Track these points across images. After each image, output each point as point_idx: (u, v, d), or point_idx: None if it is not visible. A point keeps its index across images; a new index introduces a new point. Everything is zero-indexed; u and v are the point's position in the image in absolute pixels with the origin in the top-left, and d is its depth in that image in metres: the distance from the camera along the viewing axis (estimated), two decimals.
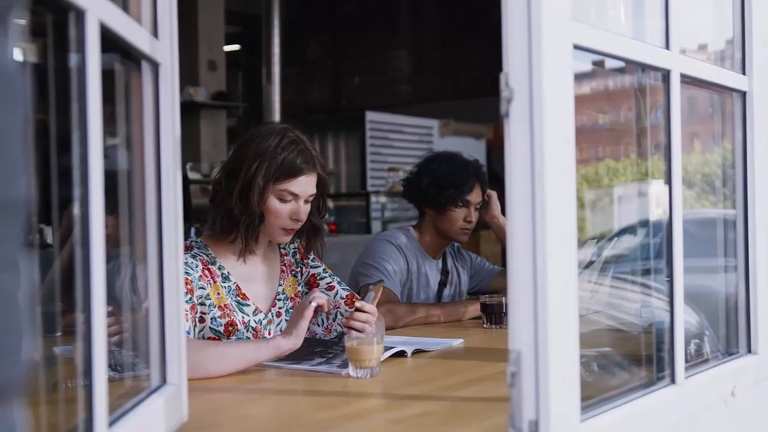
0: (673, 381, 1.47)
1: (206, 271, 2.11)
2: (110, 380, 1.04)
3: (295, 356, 2.00)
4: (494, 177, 4.48)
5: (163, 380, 1.33)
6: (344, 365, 1.86)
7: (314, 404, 1.62)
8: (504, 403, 1.21)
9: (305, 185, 2.13)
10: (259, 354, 1.89)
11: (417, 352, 2.11)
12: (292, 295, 2.29)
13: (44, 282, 1.79)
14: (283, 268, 2.29)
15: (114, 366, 1.38)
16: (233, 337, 2.10)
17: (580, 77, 1.27)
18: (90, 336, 0.98)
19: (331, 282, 2.32)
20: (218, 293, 2.11)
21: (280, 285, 2.27)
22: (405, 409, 1.56)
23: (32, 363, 0.58)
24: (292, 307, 2.26)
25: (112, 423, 1.06)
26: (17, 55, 0.58)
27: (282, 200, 2.12)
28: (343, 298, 2.27)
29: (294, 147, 2.12)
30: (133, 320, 1.45)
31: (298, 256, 2.33)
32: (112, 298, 1.13)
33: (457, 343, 2.29)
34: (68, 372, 1.38)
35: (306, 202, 2.15)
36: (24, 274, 0.55)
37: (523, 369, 1.14)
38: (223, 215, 2.12)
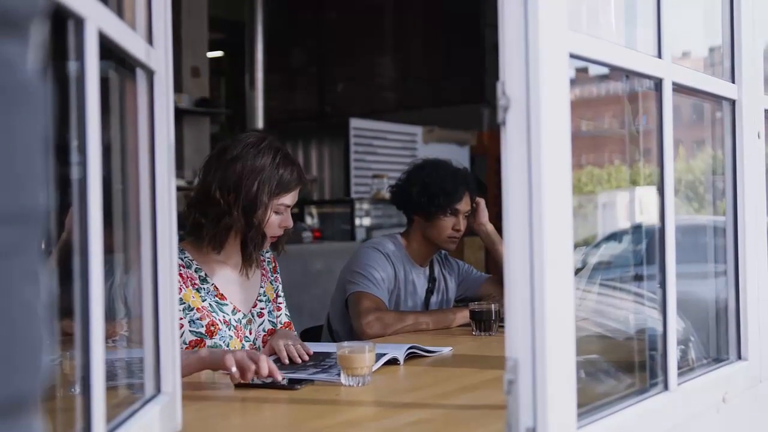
0: (666, 387, 1.48)
1: (179, 276, 2.14)
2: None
3: (290, 367, 2.00)
4: (478, 184, 4.48)
5: (158, 389, 1.32)
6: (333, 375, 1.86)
7: (307, 413, 1.62)
8: (498, 411, 1.21)
9: (296, 196, 2.26)
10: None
11: (410, 357, 2.11)
12: (272, 299, 2.38)
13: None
14: (263, 272, 2.38)
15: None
16: (216, 337, 2.15)
17: None
18: (88, 346, 0.97)
19: (281, 303, 2.43)
20: (193, 296, 2.16)
21: (262, 287, 2.34)
22: (399, 418, 1.55)
23: (49, 374, 0.58)
24: (272, 310, 2.35)
25: None
26: (37, 65, 0.58)
27: (277, 213, 2.22)
28: (281, 324, 2.36)
29: (288, 162, 2.23)
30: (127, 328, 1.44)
31: (271, 267, 2.42)
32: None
33: (447, 350, 2.29)
34: (59, 381, 1.37)
35: (291, 209, 2.28)
36: (43, 285, 0.55)
37: (520, 377, 1.14)
38: (222, 231, 2.18)
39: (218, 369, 1.87)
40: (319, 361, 2.07)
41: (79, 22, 0.96)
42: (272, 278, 2.40)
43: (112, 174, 1.33)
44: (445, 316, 2.81)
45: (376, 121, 8.30)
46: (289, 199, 2.23)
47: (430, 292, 3.06)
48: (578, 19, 1.43)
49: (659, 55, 1.48)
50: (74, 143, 0.98)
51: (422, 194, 2.92)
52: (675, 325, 1.50)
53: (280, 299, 2.43)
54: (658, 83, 1.48)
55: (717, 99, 1.78)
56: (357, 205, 7.43)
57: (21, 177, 0.54)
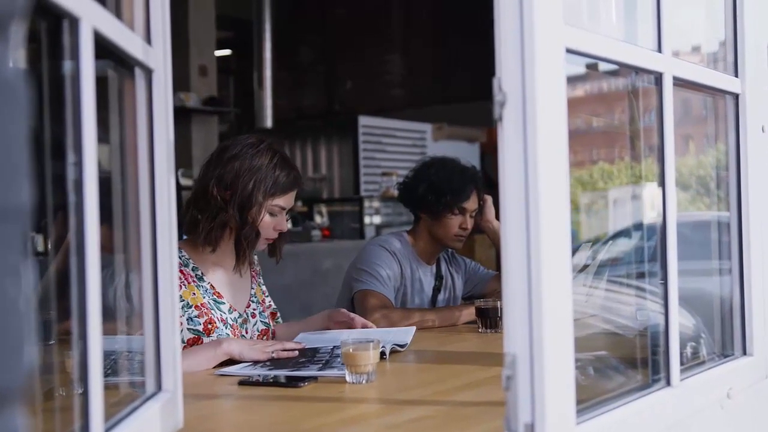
0: (668, 383, 1.47)
1: (179, 273, 2.16)
2: (105, 387, 1.04)
3: (290, 365, 1.99)
4: (488, 181, 4.47)
5: (159, 387, 1.33)
6: (344, 368, 1.85)
7: (311, 410, 1.62)
8: (500, 407, 1.21)
9: (292, 199, 2.29)
10: (209, 363, 2.01)
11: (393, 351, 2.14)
12: (261, 300, 2.41)
13: (38, 290, 1.79)
14: (253, 274, 2.42)
15: (107, 372, 1.38)
16: (213, 335, 2.18)
17: (573, 80, 1.28)
18: (86, 344, 0.97)
19: (268, 298, 2.46)
20: (193, 293, 2.19)
21: (252, 288, 2.39)
22: (402, 414, 1.55)
23: (33, 369, 0.58)
24: (262, 311, 2.38)
25: (108, 430, 1.06)
26: (18, 63, 0.58)
27: (271, 214, 2.25)
28: (259, 332, 2.36)
29: (285, 164, 2.26)
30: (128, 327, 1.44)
31: (258, 269, 2.46)
32: (106, 307, 1.13)
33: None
34: (60, 380, 1.38)
35: (287, 213, 2.30)
36: (25, 280, 0.56)
37: (518, 372, 1.14)
38: (217, 227, 2.20)
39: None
40: (313, 357, 2.07)
41: (74, 22, 0.96)
42: (259, 281, 2.45)
43: (112, 174, 1.33)
44: (450, 314, 2.80)
45: (384, 118, 8.30)
46: (284, 201, 2.25)
47: (437, 289, 3.06)
48: (578, 14, 1.43)
49: (659, 50, 1.47)
50: (70, 144, 0.98)
51: (429, 192, 2.91)
52: (677, 320, 1.49)
53: (268, 298, 2.47)
54: (659, 78, 1.48)
55: (720, 93, 1.77)
56: (366, 203, 7.43)
57: (4, 174, 0.54)
